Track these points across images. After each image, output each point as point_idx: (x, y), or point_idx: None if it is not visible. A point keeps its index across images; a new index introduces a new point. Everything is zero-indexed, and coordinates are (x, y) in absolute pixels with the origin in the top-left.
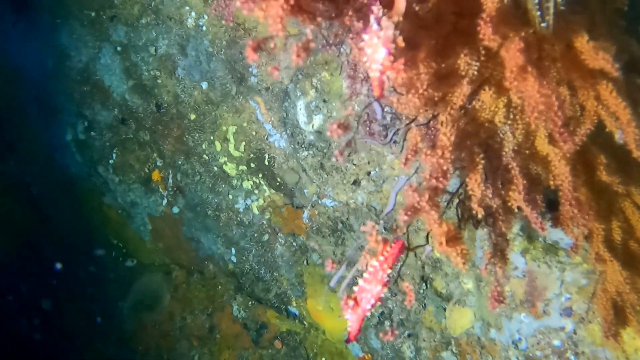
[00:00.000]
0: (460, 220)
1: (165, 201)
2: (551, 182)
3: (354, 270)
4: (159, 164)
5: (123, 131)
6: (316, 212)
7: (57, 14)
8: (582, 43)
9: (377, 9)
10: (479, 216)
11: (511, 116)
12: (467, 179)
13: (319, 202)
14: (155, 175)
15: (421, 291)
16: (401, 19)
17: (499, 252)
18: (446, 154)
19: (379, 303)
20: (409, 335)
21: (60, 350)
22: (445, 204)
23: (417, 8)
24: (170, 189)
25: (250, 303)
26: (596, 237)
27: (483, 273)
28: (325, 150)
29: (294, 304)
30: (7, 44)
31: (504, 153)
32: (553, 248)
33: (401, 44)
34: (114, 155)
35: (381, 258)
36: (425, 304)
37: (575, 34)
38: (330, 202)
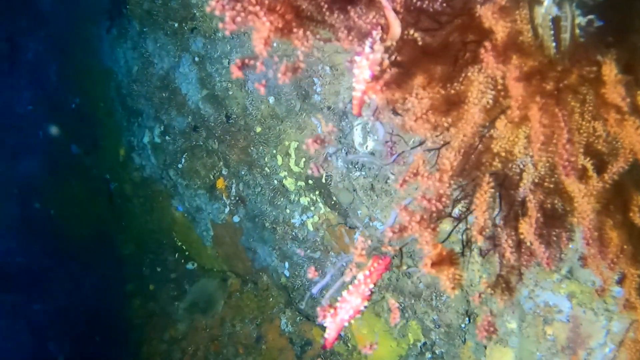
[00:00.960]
0: (465, 246)
1: (227, 209)
2: (575, 220)
3: (340, 282)
4: (224, 172)
5: (194, 138)
6: (367, 234)
7: (145, 22)
8: (608, 76)
9: (376, 33)
10: (479, 244)
11: (540, 151)
12: (474, 206)
13: (371, 224)
14: (220, 183)
15: (463, 325)
16: (394, 43)
17: (504, 283)
18: (445, 178)
19: (358, 315)
20: None
21: (118, 342)
22: (451, 228)
23: (417, 36)
24: (232, 198)
25: (298, 318)
26: (629, 283)
27: (475, 301)
28: (376, 172)
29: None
30: (101, 48)
31: (522, 185)
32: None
33: (387, 67)
34: (183, 160)
35: (366, 272)
36: (465, 339)
37: (604, 66)
38: (380, 225)
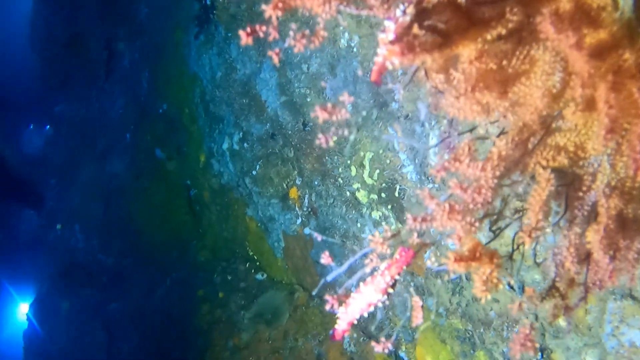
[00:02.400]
0: (514, 249)
1: (299, 220)
2: None
3: (360, 273)
4: (297, 182)
5: (271, 145)
6: (438, 254)
7: (230, 27)
8: None
9: None
10: (526, 246)
11: (612, 144)
12: (527, 205)
13: (442, 242)
14: (293, 193)
15: (514, 356)
16: (430, 5)
17: (559, 296)
18: (488, 167)
19: (371, 309)
20: None
21: (184, 346)
22: (498, 230)
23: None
24: (305, 209)
25: (362, 339)
26: None
27: (513, 310)
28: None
29: (404, 349)
30: (189, 54)
31: (595, 187)
32: None
33: (416, 31)
34: (258, 167)
35: (386, 265)
36: None
37: None
38: (453, 245)
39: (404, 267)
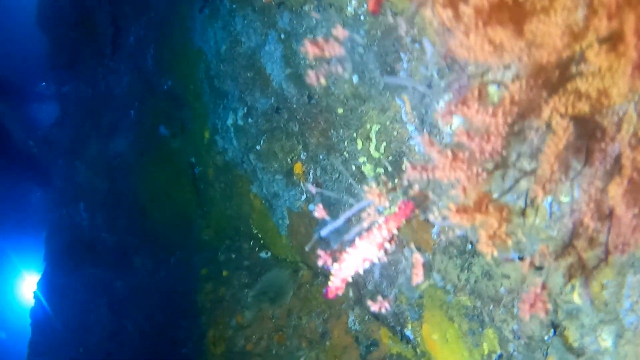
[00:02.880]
0: (527, 205)
1: (304, 197)
2: None
3: (358, 228)
4: (302, 157)
5: (275, 120)
6: (446, 228)
7: (235, 0)
8: None
9: None
10: (539, 200)
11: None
12: (542, 156)
13: (446, 195)
14: (298, 168)
15: (547, 337)
16: None
17: (576, 257)
18: (500, 114)
19: (368, 264)
20: None
21: (187, 325)
22: (511, 183)
23: None
24: (310, 185)
25: (367, 317)
26: None
27: (524, 268)
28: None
29: (410, 327)
30: (193, 29)
31: (619, 138)
32: None
33: None
34: (262, 142)
35: (383, 218)
36: (547, 353)
37: None
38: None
39: (403, 221)
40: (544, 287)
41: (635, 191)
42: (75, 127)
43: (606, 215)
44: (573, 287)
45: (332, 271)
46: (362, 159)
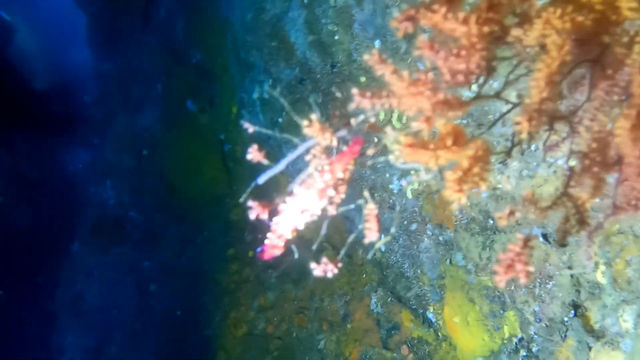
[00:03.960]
0: (514, 145)
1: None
2: None
3: (303, 174)
4: None
5: (299, 91)
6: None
7: None
8: None
9: None
10: (523, 135)
11: None
12: (530, 80)
13: (473, 189)
14: None
15: (566, 319)
16: None
17: (574, 204)
18: (473, 23)
19: (313, 218)
20: None
21: (211, 306)
22: (497, 117)
23: None
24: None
25: (389, 299)
26: None
27: (503, 220)
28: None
29: (432, 310)
30: None
31: (630, 62)
32: None
33: None
34: (283, 114)
35: (331, 158)
36: (566, 335)
37: None
38: (483, 193)
39: (351, 162)
40: (525, 244)
41: None
42: (109, 104)
43: (613, 161)
44: (597, 265)
45: (272, 226)
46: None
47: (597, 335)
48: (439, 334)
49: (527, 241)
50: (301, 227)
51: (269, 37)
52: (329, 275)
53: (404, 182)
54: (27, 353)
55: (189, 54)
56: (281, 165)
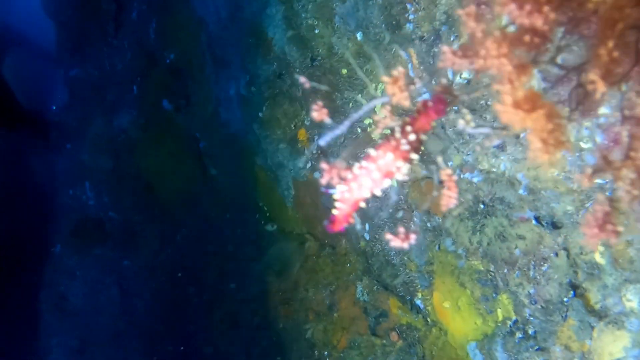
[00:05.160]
0: (573, 110)
1: (309, 164)
2: None
3: (365, 135)
4: (306, 122)
5: (278, 86)
6: (472, 123)
7: None
8: None
9: None
10: (598, 94)
11: None
12: (595, 40)
13: (462, 176)
14: (302, 135)
15: (566, 299)
16: None
17: (636, 169)
18: None
19: (388, 183)
20: (538, 350)
21: (194, 302)
22: (554, 84)
23: None
24: (314, 152)
25: (375, 287)
26: None
27: (584, 182)
28: (475, 106)
29: (420, 296)
30: None
31: None
32: None
33: None
34: (264, 109)
35: (407, 119)
36: (566, 315)
37: None
38: (474, 177)
39: (433, 123)
40: (611, 204)
41: None
42: (82, 108)
43: None
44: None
45: (338, 195)
46: (367, 121)
47: (599, 315)
48: (428, 319)
49: (612, 201)
50: (378, 193)
51: (245, 34)
52: (406, 246)
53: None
54: (13, 355)
55: (162, 55)
56: (344, 126)
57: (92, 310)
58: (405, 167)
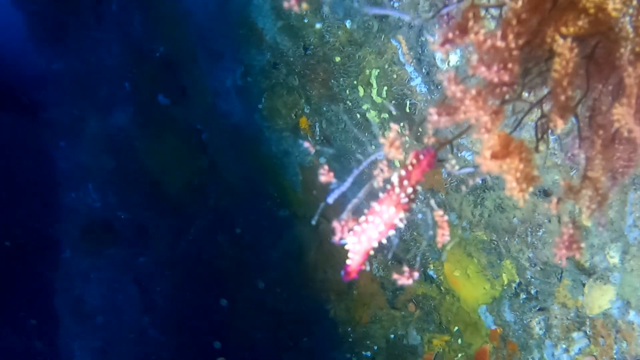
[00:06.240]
0: (539, 138)
1: (313, 151)
2: None
3: (368, 187)
4: (306, 110)
5: (274, 76)
6: (458, 154)
7: None
8: None
9: None
10: (558, 130)
11: (633, 2)
12: (551, 83)
13: (459, 154)
14: (303, 123)
15: (560, 262)
16: None
17: (592, 188)
18: (510, 34)
19: (392, 232)
20: (539, 310)
21: (215, 292)
22: (520, 116)
23: None
24: (317, 138)
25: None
26: None
27: (552, 208)
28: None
29: (432, 267)
30: None
31: (618, 55)
32: None
33: None
34: (263, 100)
35: (402, 173)
36: (561, 277)
37: None
38: (469, 155)
39: (425, 174)
40: (575, 225)
41: None
42: (73, 105)
43: (611, 140)
44: (580, 210)
45: (349, 246)
46: (365, 106)
47: (589, 272)
48: (442, 288)
49: (575, 223)
50: (384, 241)
51: (235, 25)
52: (410, 282)
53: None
54: None
55: (151, 48)
56: (348, 183)
57: (112, 310)
58: (405, 215)
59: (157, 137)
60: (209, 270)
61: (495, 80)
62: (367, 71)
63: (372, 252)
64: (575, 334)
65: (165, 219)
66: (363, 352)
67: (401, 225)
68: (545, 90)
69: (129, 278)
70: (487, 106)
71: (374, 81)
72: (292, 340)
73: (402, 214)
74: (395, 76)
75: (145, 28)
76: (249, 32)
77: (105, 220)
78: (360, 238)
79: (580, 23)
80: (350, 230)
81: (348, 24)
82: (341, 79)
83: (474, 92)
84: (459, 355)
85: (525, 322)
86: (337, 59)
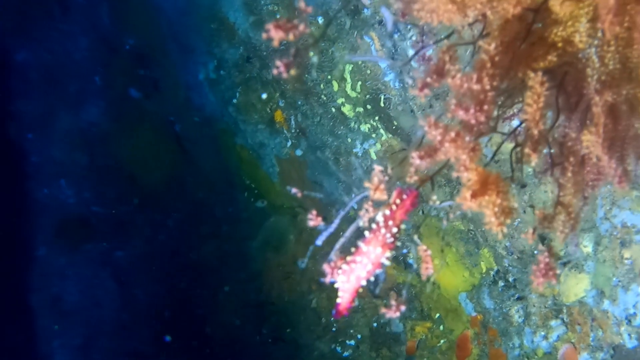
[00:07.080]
0: (514, 169)
1: (289, 143)
2: None
3: (353, 226)
4: (281, 104)
5: (248, 70)
6: (437, 202)
7: None
8: None
9: None
10: (533, 163)
11: (598, 34)
12: (524, 116)
13: (509, 219)
14: (279, 116)
15: (536, 251)
16: None
17: (565, 212)
18: (484, 77)
19: (378, 270)
20: (518, 299)
21: (197, 286)
22: (494, 149)
23: None
24: (293, 131)
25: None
26: None
27: (529, 239)
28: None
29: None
30: None
31: (585, 84)
32: None
33: None
34: (237, 94)
35: (387, 213)
36: None
37: None
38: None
39: (408, 214)
40: (550, 253)
41: (612, 137)
42: (41, 99)
43: (581, 165)
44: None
45: (339, 285)
46: (340, 100)
47: (564, 261)
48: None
49: (551, 252)
50: (372, 279)
51: (206, 19)
52: (398, 314)
53: (366, 145)
54: None
55: (121, 42)
56: (335, 224)
57: (91, 306)
58: (391, 254)
59: (131, 130)
60: (189, 265)
61: (472, 121)
62: (341, 66)
63: (360, 290)
64: (553, 322)
65: (142, 212)
66: (347, 342)
67: (387, 263)
68: (517, 121)
69: (107, 273)
70: (464, 144)
71: (347, 76)
72: (275, 332)
73: (388, 253)
74: (369, 72)
75: (113, 21)
76: (221, 27)
77: (80, 215)
78: (349, 277)
79: (549, 57)
80: (339, 269)
81: (320, 20)
82: (315, 74)
83: (452, 134)
84: (442, 341)
85: (504, 310)
86: (311, 54)
